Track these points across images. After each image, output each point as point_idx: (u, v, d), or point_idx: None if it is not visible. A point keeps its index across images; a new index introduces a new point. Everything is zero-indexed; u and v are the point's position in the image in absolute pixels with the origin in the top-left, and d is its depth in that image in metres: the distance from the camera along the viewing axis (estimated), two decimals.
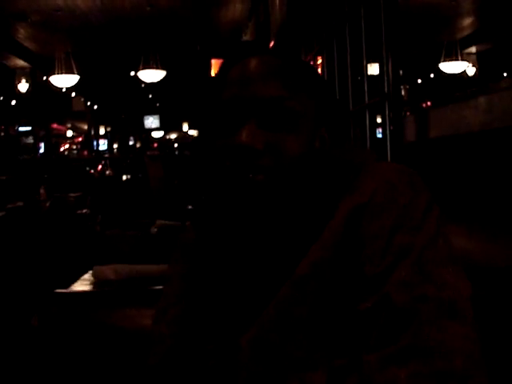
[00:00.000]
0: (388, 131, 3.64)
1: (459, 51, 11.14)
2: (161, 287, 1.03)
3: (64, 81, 12.76)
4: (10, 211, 5.53)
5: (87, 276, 1.81)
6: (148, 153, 17.99)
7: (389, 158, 3.50)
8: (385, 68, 3.79)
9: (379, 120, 4.70)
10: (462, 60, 11.27)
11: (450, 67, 10.97)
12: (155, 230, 3.30)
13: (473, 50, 11.93)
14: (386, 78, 3.80)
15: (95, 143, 23.09)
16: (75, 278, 2.00)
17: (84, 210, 4.44)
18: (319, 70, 6.66)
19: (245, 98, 0.88)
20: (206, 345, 0.88)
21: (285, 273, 0.84)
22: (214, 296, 0.91)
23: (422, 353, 0.71)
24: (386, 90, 3.79)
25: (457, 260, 0.80)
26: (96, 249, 3.54)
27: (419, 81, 12.49)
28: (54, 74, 12.65)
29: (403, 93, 9.96)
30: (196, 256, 0.97)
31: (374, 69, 4.79)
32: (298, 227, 0.88)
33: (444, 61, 11.06)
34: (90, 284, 1.72)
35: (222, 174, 0.89)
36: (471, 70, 11.79)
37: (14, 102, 17.77)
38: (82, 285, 1.71)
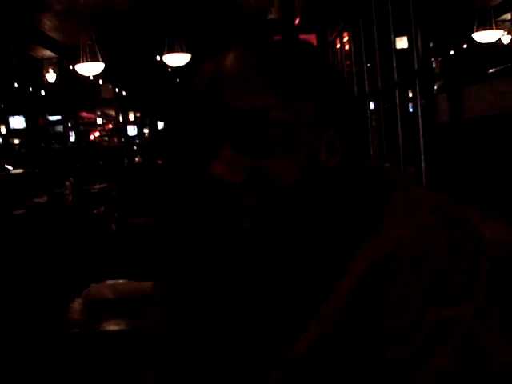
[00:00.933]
0: (419, 110, 3.41)
1: (493, 19, 10.71)
2: None
3: (89, 69, 12.69)
4: (30, 208, 5.46)
5: (85, 294, 1.67)
6: None
7: (421, 141, 3.27)
8: (414, 43, 3.56)
9: (411, 94, 4.47)
10: (497, 28, 10.83)
11: (483, 36, 10.54)
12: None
13: (508, 16, 11.47)
14: (415, 53, 3.56)
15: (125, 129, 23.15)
16: (79, 289, 1.87)
17: (102, 208, 4.31)
18: (346, 47, 6.41)
19: (214, 113, 0.64)
20: None
21: (277, 352, 0.63)
22: (194, 366, 0.70)
23: None
24: (415, 66, 3.56)
25: None
26: (107, 250, 3.42)
27: (452, 52, 12.05)
28: (80, 62, 12.58)
29: (434, 65, 9.61)
30: (174, 312, 0.76)
31: (402, 43, 4.54)
32: (294, 289, 0.65)
33: (477, 30, 10.63)
34: (87, 305, 1.58)
35: (197, 217, 0.68)
36: (506, 39, 11.33)
37: (43, 93, 17.89)
38: (78, 305, 1.57)
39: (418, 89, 3.42)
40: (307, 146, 0.66)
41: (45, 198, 6.53)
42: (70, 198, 6.33)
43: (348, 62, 6.38)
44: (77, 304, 1.72)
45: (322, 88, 0.69)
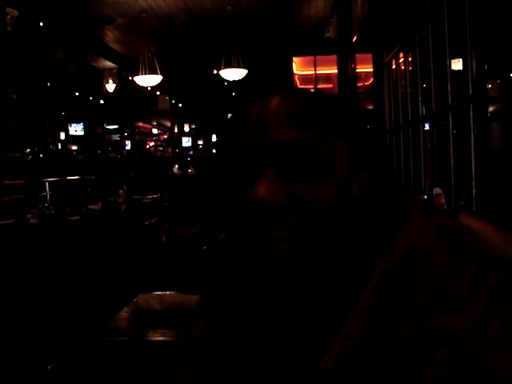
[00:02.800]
0: (472, 136, 3.38)
1: None
2: None
3: (148, 80, 13.02)
4: (85, 215, 5.63)
5: (133, 304, 1.74)
6: None
7: (472, 166, 3.25)
8: (469, 66, 3.53)
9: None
10: None
11: None
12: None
13: None
14: (470, 77, 3.53)
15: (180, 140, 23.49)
16: (127, 298, 1.94)
17: (153, 220, 4.42)
18: (402, 68, 6.39)
19: (260, 143, 0.72)
20: None
21: (309, 360, 0.68)
22: (232, 378, 0.77)
23: None
24: (470, 90, 3.53)
25: None
26: (156, 261, 3.50)
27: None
28: (139, 74, 12.92)
29: (491, 86, 9.42)
30: (215, 326, 0.83)
31: (459, 64, 4.50)
32: (322, 305, 0.71)
33: None
34: (134, 315, 1.65)
35: (238, 237, 0.74)
36: None
37: (102, 102, 18.41)
38: (125, 314, 1.64)
39: (471, 114, 3.39)
40: (340, 179, 0.74)
41: (99, 205, 6.70)
42: (123, 207, 6.49)
43: (403, 83, 6.35)
44: (124, 313, 1.80)
45: (355, 134, 0.79)
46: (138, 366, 1.33)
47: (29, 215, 5.76)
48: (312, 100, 0.77)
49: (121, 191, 7.26)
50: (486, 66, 3.59)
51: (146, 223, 4.44)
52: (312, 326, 0.72)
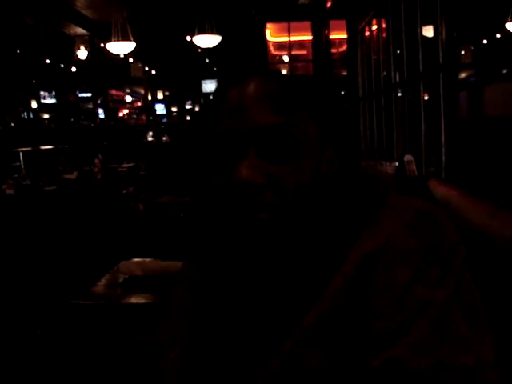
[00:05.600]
0: (442, 104, 3.44)
1: None
2: None
3: (120, 48, 12.77)
4: (61, 185, 5.63)
5: (114, 271, 1.79)
6: None
7: (442, 135, 3.32)
8: (439, 35, 3.57)
9: None
10: None
11: None
12: None
13: None
14: (440, 46, 3.58)
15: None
16: (104, 270, 2.00)
17: (130, 189, 4.44)
18: (374, 35, 6.43)
19: (241, 127, 0.79)
20: None
21: (291, 322, 0.76)
22: (219, 338, 0.84)
23: None
24: (440, 60, 3.58)
25: (481, 312, 0.72)
26: (135, 230, 3.55)
27: (485, 42, 11.80)
28: (111, 41, 12.69)
29: (464, 53, 9.48)
30: (199, 293, 0.90)
31: (430, 32, 4.54)
32: (306, 271, 0.79)
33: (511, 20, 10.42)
34: (116, 281, 1.70)
35: (221, 214, 0.81)
36: None
37: (73, 69, 18.09)
38: (107, 281, 1.69)
39: (441, 83, 3.45)
40: (313, 157, 0.82)
41: (74, 175, 6.68)
42: (99, 176, 6.49)
43: (376, 50, 6.39)
44: (106, 279, 1.85)
45: (324, 114, 0.86)
46: (124, 328, 1.40)
47: (4, 186, 5.74)
48: (285, 83, 0.83)
49: (96, 160, 7.24)
50: (455, 34, 3.63)
51: (124, 192, 4.46)
52: (294, 291, 0.78)
